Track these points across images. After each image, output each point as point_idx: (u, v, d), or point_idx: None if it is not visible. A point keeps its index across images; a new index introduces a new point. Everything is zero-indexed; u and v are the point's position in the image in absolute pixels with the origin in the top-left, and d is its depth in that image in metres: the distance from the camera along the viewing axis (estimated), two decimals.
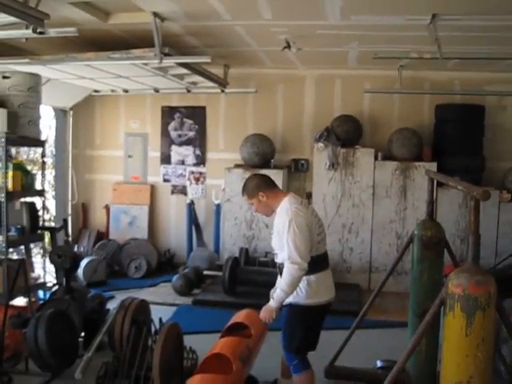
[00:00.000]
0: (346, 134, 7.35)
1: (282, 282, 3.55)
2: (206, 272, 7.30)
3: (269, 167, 7.66)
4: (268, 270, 6.76)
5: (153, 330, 4.71)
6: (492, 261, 6.80)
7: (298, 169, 8.02)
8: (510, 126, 7.52)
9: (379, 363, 4.67)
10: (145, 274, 7.68)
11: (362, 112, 7.78)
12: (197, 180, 8.31)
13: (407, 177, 7.24)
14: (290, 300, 3.68)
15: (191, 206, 8.08)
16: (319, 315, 3.76)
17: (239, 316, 4.20)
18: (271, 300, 3.63)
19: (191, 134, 8.28)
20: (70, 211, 8.42)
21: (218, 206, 7.99)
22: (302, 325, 3.69)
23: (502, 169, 7.26)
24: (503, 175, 7.26)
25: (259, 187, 3.73)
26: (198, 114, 8.21)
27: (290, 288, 3.53)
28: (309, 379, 3.78)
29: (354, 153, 7.35)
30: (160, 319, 4.76)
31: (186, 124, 8.27)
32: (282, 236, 3.55)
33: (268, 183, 3.78)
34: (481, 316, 2.66)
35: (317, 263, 3.63)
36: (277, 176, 7.53)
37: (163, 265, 8.02)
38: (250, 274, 6.81)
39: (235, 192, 7.61)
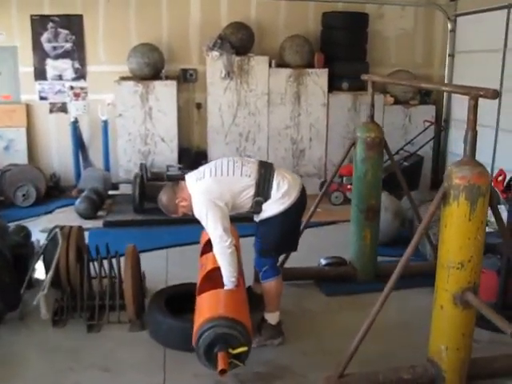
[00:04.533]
0: (239, 41, 7.26)
1: (221, 267, 3.50)
2: (111, 192, 6.98)
3: (160, 78, 7.36)
4: None
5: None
6: None
7: (187, 79, 7.80)
8: (387, 33, 8.03)
9: (323, 261, 4.98)
10: (34, 201, 7.10)
11: (250, 19, 7.67)
12: (77, 96, 7.68)
13: (300, 83, 7.45)
14: (263, 216, 3.67)
15: (75, 125, 7.51)
16: (297, 212, 3.75)
17: None
18: (225, 286, 3.50)
19: (68, 45, 7.52)
20: None
21: (106, 123, 7.53)
22: (281, 227, 3.68)
23: (382, 74, 7.75)
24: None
25: (173, 198, 3.64)
26: (74, 24, 7.45)
27: (231, 266, 3.48)
28: (279, 285, 3.81)
29: (248, 61, 7.32)
30: (107, 245, 4.52)
31: (62, 35, 7.48)
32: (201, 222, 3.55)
33: (173, 187, 3.69)
34: (482, 202, 2.99)
35: (263, 178, 3.60)
36: (170, 87, 7.32)
37: (51, 190, 7.46)
38: (160, 190, 6.62)
39: (127, 106, 7.26)
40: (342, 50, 7.49)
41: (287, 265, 4.85)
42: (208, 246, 3.86)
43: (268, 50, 7.61)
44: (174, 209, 3.68)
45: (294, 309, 4.42)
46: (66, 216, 6.65)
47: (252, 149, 7.60)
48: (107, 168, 7.65)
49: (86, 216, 6.49)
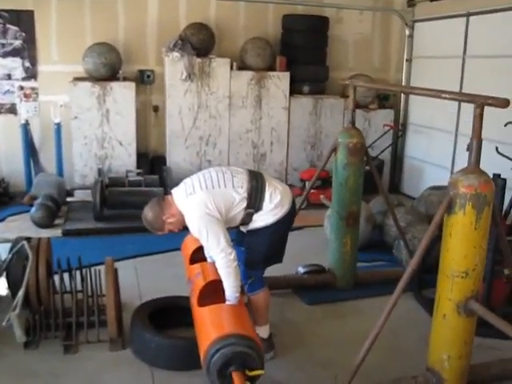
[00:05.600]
0: (201, 42, 7.07)
1: (225, 281, 3.30)
2: (69, 199, 6.61)
3: (117, 79, 7.05)
4: (140, 189, 6.44)
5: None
6: None
7: (144, 81, 7.50)
8: (345, 37, 8.06)
9: (302, 269, 4.88)
10: None
11: (209, 21, 7.47)
12: (28, 96, 7.23)
13: (262, 86, 7.35)
14: (253, 227, 3.52)
15: (26, 127, 7.06)
16: (287, 223, 3.63)
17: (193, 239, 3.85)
18: (227, 302, 3.30)
19: (17, 43, 7.06)
20: None
21: (59, 125, 7.13)
22: (271, 238, 3.55)
23: (341, 78, 7.73)
24: (343, 84, 7.80)
25: (160, 215, 3.40)
26: (24, 20, 7.00)
27: (235, 279, 3.30)
28: (267, 297, 3.70)
29: (209, 63, 7.14)
30: (79, 258, 4.23)
31: (11, 31, 7.00)
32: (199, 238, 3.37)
33: (160, 203, 3.44)
34: (487, 211, 2.98)
35: (255, 190, 3.45)
36: (129, 89, 7.03)
37: (0, 196, 6.98)
38: (121, 196, 6.36)
39: (83, 108, 6.92)
40: (302, 53, 7.44)
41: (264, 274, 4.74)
42: (199, 255, 3.68)
43: (227, 52, 7.45)
44: (160, 226, 3.44)
45: (276, 319, 4.25)
46: (19, 225, 6.23)
47: (213, 153, 7.43)
48: (60, 173, 7.25)
49: (42, 225, 6.10)
